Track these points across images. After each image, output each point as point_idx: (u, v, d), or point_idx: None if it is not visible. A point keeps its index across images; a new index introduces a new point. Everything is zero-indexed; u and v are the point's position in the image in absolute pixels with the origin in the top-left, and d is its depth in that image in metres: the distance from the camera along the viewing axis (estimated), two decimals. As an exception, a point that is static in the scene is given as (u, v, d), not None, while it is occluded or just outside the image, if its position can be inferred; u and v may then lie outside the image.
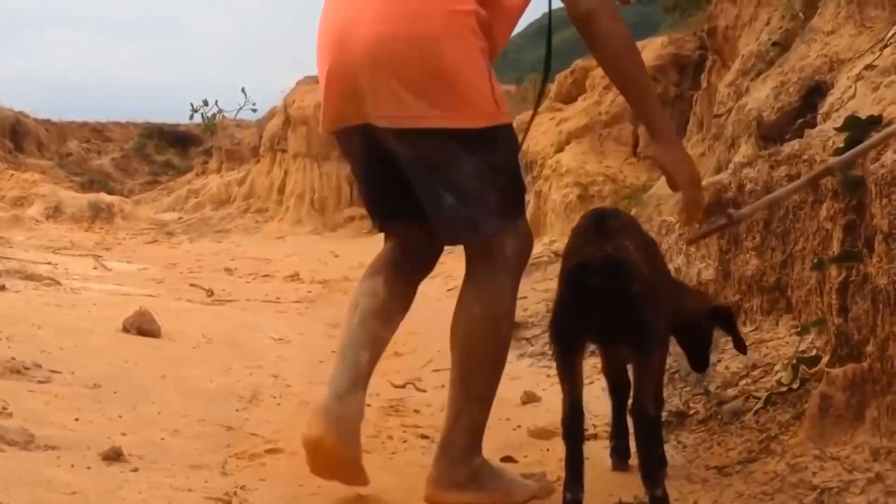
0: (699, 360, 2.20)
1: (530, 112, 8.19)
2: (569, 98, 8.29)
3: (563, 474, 1.88)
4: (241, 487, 2.10)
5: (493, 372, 2.00)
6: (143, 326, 3.85)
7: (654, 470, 1.84)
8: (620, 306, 1.81)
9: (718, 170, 3.87)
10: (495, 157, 1.90)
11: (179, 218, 13.20)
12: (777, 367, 2.45)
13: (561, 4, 1.96)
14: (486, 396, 2.00)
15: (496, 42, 1.94)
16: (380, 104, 1.87)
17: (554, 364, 2.02)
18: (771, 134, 3.26)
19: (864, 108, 2.38)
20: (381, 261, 2.15)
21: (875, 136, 1.90)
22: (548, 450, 2.39)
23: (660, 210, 5.26)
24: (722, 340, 2.83)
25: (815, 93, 3.07)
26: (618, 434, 2.25)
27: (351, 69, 1.88)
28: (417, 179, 1.95)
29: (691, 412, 2.48)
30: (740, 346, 2.23)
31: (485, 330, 1.96)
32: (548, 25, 2.17)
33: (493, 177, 1.90)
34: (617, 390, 2.22)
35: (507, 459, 2.32)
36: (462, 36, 1.83)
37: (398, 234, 2.14)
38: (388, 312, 2.09)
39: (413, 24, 1.82)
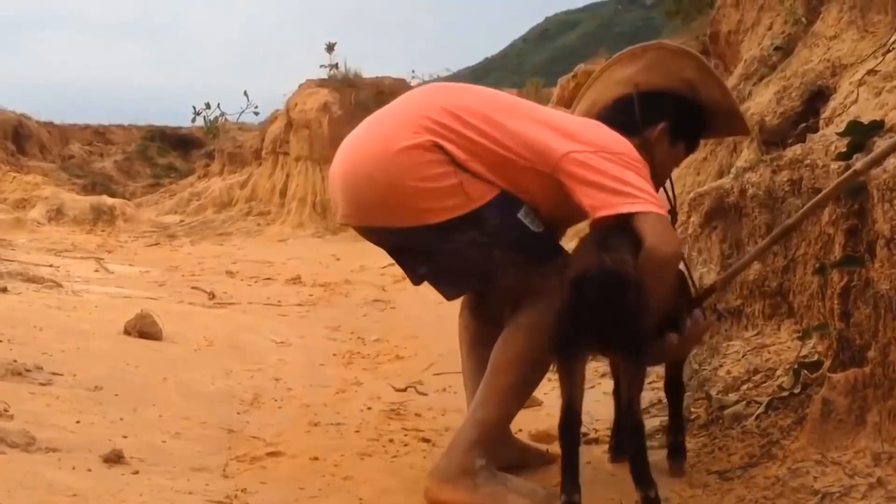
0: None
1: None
2: (570, 102, 8.30)
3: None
4: (241, 490, 2.11)
5: (518, 373, 2.02)
6: (144, 329, 3.86)
7: (645, 473, 1.85)
8: (617, 318, 1.84)
9: (721, 174, 3.88)
10: (486, 227, 1.98)
11: (181, 220, 13.17)
12: (779, 372, 2.45)
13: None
14: (506, 398, 2.03)
15: (528, 191, 2.02)
16: (349, 208, 2.10)
17: (554, 368, 2.03)
18: (773, 138, 3.26)
19: (867, 112, 2.38)
20: (465, 298, 2.35)
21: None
22: (548, 451, 2.39)
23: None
24: (724, 345, 2.83)
25: (817, 97, 3.07)
26: (619, 433, 2.28)
27: (333, 178, 2.15)
28: (411, 258, 2.16)
29: (693, 417, 2.48)
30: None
31: (520, 333, 2.02)
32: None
33: (491, 241, 1.99)
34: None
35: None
36: (410, 153, 1.97)
37: None
38: (488, 336, 2.15)
39: (377, 145, 2.03)
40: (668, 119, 2.22)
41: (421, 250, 2.10)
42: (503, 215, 2.00)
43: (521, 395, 2.07)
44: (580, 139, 1.99)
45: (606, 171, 1.94)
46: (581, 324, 1.86)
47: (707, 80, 2.25)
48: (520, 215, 2.01)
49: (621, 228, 1.98)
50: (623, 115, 2.20)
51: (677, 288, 2.11)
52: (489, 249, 2.00)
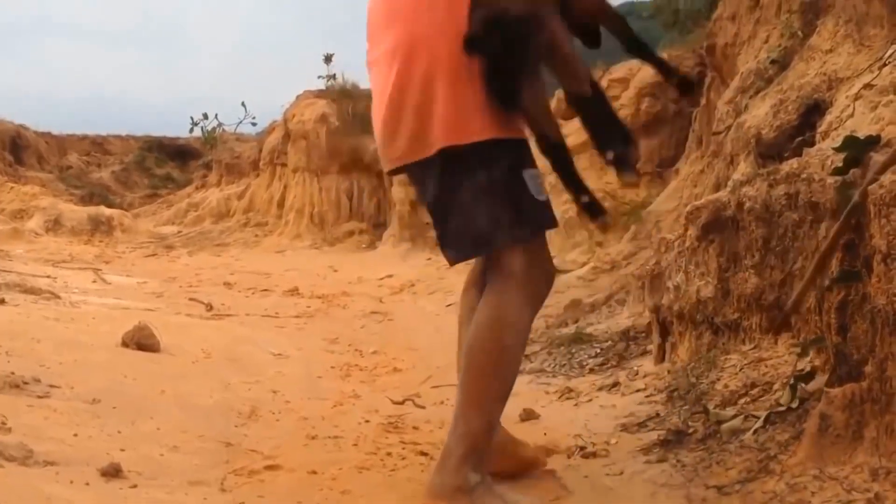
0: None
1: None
2: (569, 114, 8.30)
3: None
4: (239, 504, 2.10)
5: (493, 379, 2.01)
6: (142, 341, 3.86)
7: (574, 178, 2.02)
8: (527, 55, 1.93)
9: (717, 187, 3.89)
10: (493, 171, 2.00)
11: (179, 231, 13.19)
12: (776, 386, 2.45)
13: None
14: (484, 405, 2.01)
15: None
16: (389, 151, 2.12)
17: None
18: (769, 152, 3.27)
19: (863, 127, 2.39)
20: (472, 276, 2.32)
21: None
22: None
23: (659, 227, 5.27)
24: (722, 358, 2.83)
25: (813, 111, 3.08)
26: (577, 190, 2.20)
27: (374, 123, 2.18)
28: (435, 218, 2.14)
29: (690, 431, 2.47)
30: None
31: (487, 337, 2.01)
32: None
33: (494, 190, 2.00)
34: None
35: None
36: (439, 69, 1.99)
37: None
38: None
39: (403, 78, 2.05)
40: None
41: (440, 203, 2.08)
42: (511, 165, 2.02)
43: (501, 395, 2.05)
44: None
45: None
46: (503, 73, 1.93)
47: None
48: (525, 175, 2.03)
49: None
50: None
51: None
52: (491, 203, 2.00)
